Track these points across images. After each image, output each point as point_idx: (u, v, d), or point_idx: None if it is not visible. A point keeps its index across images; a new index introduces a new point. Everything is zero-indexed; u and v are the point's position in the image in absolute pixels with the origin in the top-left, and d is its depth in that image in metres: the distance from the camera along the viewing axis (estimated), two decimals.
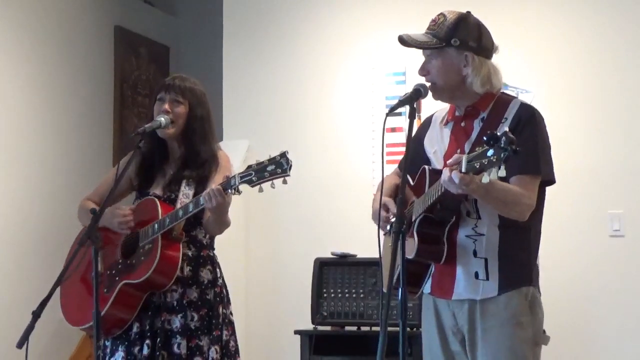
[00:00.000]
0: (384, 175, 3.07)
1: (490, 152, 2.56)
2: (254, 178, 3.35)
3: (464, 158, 2.65)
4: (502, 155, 2.52)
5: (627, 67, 5.06)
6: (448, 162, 2.75)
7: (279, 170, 3.33)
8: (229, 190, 3.41)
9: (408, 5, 5.43)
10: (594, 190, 5.03)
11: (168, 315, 3.60)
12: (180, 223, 3.58)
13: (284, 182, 3.35)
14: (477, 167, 2.60)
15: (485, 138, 2.55)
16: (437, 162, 3.15)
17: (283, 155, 3.35)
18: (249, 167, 3.38)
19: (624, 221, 4.96)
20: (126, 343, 3.61)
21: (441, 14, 3.11)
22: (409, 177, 3.15)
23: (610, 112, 5.06)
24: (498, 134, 2.53)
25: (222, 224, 3.66)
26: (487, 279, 3.00)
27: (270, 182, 3.36)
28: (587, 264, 5.00)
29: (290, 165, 3.33)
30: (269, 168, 3.34)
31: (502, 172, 2.55)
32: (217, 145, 3.82)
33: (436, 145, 3.19)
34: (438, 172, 2.92)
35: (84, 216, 3.80)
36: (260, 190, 3.38)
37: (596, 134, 5.07)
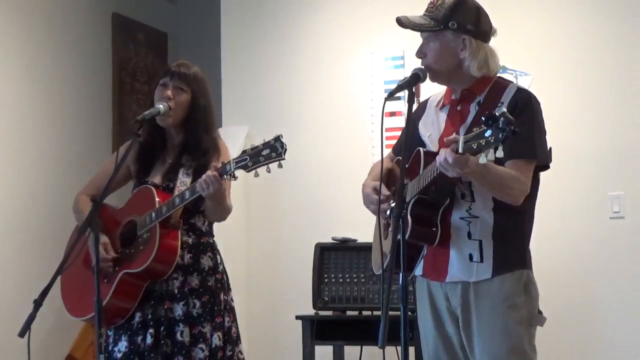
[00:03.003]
0: (378, 160, 3.06)
1: (487, 133, 2.55)
2: (249, 163, 3.35)
3: (461, 139, 2.64)
4: (500, 135, 2.52)
5: (627, 49, 5.05)
6: (445, 139, 2.75)
7: (274, 154, 3.33)
8: (225, 176, 3.41)
9: None
10: (594, 173, 5.03)
11: (170, 303, 3.60)
12: (177, 211, 3.58)
13: (280, 166, 3.35)
14: (475, 147, 2.59)
15: (483, 118, 2.55)
16: (432, 146, 3.14)
17: (277, 139, 3.34)
18: (244, 152, 3.37)
19: (625, 203, 4.96)
20: (129, 332, 3.61)
21: None
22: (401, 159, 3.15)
23: (610, 94, 5.05)
24: (496, 114, 2.53)
25: (223, 209, 3.66)
26: (481, 261, 3.00)
27: (265, 167, 3.36)
28: (587, 246, 5.00)
29: (285, 149, 3.33)
30: (264, 152, 3.33)
31: (500, 153, 2.54)
32: (217, 133, 3.82)
33: (431, 129, 3.18)
34: (433, 154, 2.92)
35: (78, 212, 3.80)
36: (256, 175, 3.37)
37: (595, 116, 5.06)
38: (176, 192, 3.59)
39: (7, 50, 5.70)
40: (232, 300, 3.79)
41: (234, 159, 3.39)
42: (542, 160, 3.03)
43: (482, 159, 2.58)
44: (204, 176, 3.43)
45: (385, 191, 3.13)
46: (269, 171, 3.37)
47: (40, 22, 6.00)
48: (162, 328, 3.57)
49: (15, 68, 5.77)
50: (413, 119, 3.20)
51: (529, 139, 2.95)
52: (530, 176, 3.00)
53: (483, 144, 2.56)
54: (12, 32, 5.75)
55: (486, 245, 3.00)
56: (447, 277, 3.05)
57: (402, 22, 3.11)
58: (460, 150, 2.64)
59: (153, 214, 3.56)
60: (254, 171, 3.37)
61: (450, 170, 2.74)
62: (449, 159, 2.70)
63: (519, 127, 2.53)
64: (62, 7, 6.22)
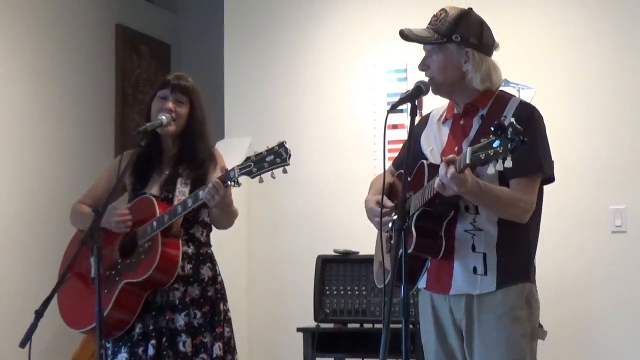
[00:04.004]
0: (378, 175, 3.07)
1: (496, 143, 2.54)
2: (253, 169, 3.37)
3: (469, 149, 2.64)
4: (509, 145, 2.51)
5: (628, 62, 5.05)
6: (444, 158, 2.76)
7: (279, 160, 3.35)
8: (229, 182, 3.42)
9: (409, 2, 5.43)
10: (596, 186, 5.02)
11: (171, 314, 3.61)
12: (178, 220, 3.59)
13: (284, 171, 3.37)
14: (483, 158, 2.59)
15: (492, 128, 2.54)
16: (433, 160, 3.14)
17: (281, 145, 3.37)
18: (248, 158, 3.39)
19: (626, 217, 4.95)
20: (129, 344, 3.60)
21: (443, 9, 3.12)
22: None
23: (612, 108, 5.05)
24: (505, 124, 2.52)
25: (231, 215, 3.69)
26: (485, 273, 3.00)
27: (270, 172, 3.37)
28: (589, 260, 4.99)
29: (290, 154, 3.35)
30: (268, 158, 3.36)
31: (509, 163, 2.54)
32: (211, 143, 3.86)
33: (433, 143, 3.19)
34: (437, 167, 2.93)
35: (80, 220, 3.81)
36: (261, 180, 3.39)
37: (598, 129, 5.06)
38: (175, 202, 3.61)
39: (11, 60, 5.71)
40: (229, 311, 3.80)
41: (237, 166, 3.41)
42: (548, 173, 3.04)
43: (490, 169, 2.58)
44: (209, 185, 3.44)
45: (388, 202, 3.13)
46: (273, 177, 3.39)
47: (44, 33, 6.01)
48: (164, 339, 3.57)
49: (20, 78, 5.78)
50: (414, 133, 3.20)
51: (533, 153, 2.95)
52: (536, 192, 3.01)
53: (491, 154, 2.56)
54: (16, 43, 5.77)
55: (490, 258, 3.00)
56: (451, 290, 3.05)
57: (405, 35, 3.12)
58: (467, 161, 2.64)
59: (154, 223, 3.57)
60: (258, 177, 3.38)
61: (448, 188, 2.75)
62: (448, 176, 2.71)
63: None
64: (65, 18, 6.23)
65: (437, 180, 2.79)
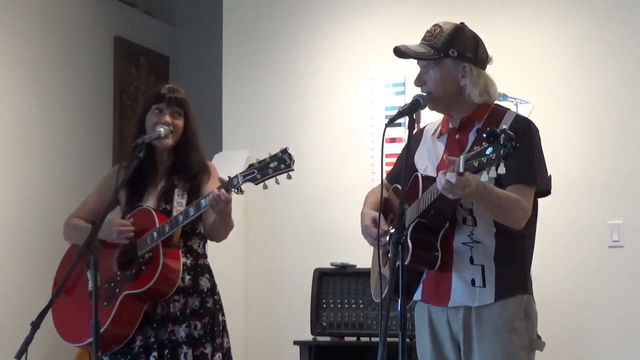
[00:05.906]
0: (372, 188, 3.07)
1: (489, 150, 2.55)
2: (257, 175, 3.38)
3: (462, 158, 2.64)
4: (501, 152, 2.52)
5: (626, 78, 5.06)
6: (447, 158, 2.77)
7: (283, 166, 3.37)
8: (232, 190, 3.43)
9: (408, 16, 5.44)
10: (594, 201, 5.03)
11: (173, 325, 3.61)
12: (178, 230, 3.59)
13: (289, 177, 3.38)
14: (476, 165, 2.60)
15: (484, 135, 2.55)
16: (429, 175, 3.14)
17: (284, 151, 3.39)
18: (251, 165, 3.41)
19: (624, 232, 4.96)
20: (129, 357, 3.60)
21: (437, 24, 3.13)
22: (398, 186, 3.17)
23: (610, 123, 5.06)
24: (497, 130, 2.53)
25: (228, 226, 3.70)
26: (484, 286, 3.00)
27: (274, 179, 3.37)
28: (586, 275, 5.00)
29: (294, 160, 3.38)
30: (272, 165, 3.38)
31: (502, 170, 2.54)
32: (204, 153, 3.87)
33: (427, 158, 3.19)
34: (431, 179, 2.94)
35: (76, 233, 3.80)
36: (265, 187, 3.40)
37: (595, 144, 5.07)
38: (174, 214, 3.61)
39: (9, 72, 5.71)
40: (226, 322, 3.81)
41: (241, 173, 3.41)
42: (542, 186, 3.04)
43: (484, 177, 2.59)
44: (213, 192, 3.44)
45: (384, 225, 3.13)
46: (277, 183, 3.39)
47: (43, 45, 6.01)
48: (166, 351, 3.58)
49: (18, 90, 5.78)
50: (410, 148, 3.20)
51: (529, 165, 2.97)
52: (532, 200, 3.01)
53: (484, 161, 2.56)
54: (15, 55, 5.77)
55: (488, 270, 3.01)
56: (450, 302, 3.05)
57: (401, 52, 3.12)
58: (461, 169, 2.64)
59: (155, 234, 3.57)
60: (262, 183, 3.38)
61: (452, 191, 2.75)
62: (451, 180, 2.70)
63: (519, 154, 2.54)
64: (64, 30, 6.24)
65: (438, 184, 2.78)
